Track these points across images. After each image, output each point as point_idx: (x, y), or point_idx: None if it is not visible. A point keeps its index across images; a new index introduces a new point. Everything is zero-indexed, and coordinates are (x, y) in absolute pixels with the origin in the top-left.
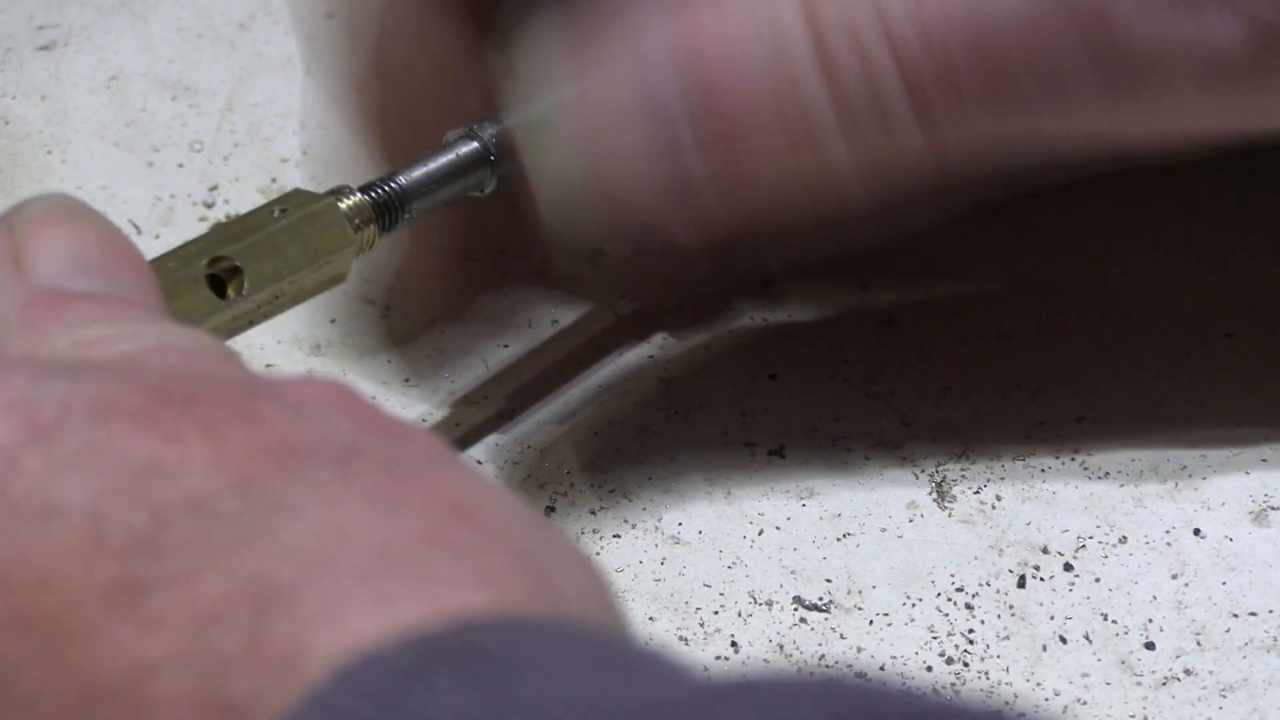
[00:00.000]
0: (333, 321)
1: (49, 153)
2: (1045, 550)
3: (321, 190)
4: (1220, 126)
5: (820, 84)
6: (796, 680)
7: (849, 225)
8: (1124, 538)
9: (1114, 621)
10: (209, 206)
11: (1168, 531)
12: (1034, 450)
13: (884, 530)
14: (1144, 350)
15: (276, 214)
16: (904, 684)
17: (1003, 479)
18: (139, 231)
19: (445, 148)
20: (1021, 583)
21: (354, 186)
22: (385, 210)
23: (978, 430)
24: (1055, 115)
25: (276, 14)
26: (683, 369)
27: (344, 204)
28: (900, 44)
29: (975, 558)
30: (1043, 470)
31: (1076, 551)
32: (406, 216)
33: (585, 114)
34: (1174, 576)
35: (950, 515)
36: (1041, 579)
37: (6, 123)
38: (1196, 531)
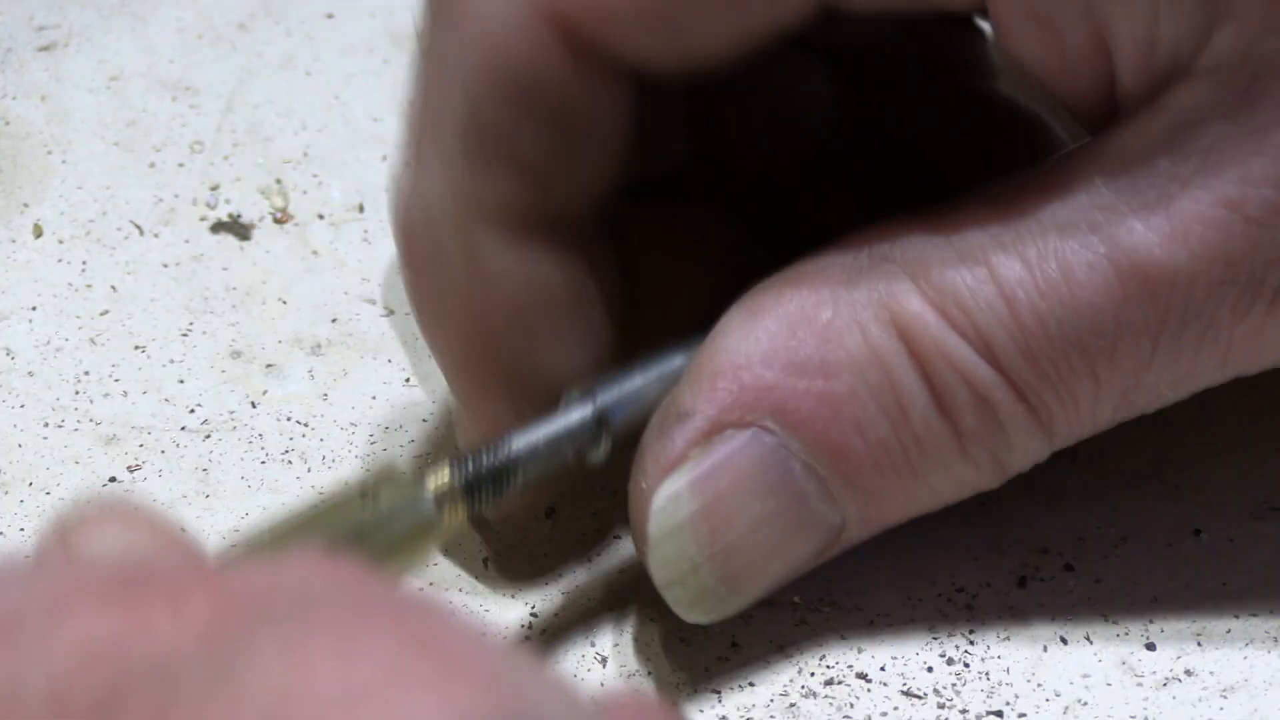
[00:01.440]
0: (333, 321)
1: (49, 153)
2: (1045, 550)
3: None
4: None
5: (934, 416)
6: None
7: None
8: (1124, 538)
9: (1114, 622)
10: (210, 207)
11: (1168, 531)
12: None
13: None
14: None
15: (361, 499)
16: None
17: None
18: (141, 232)
19: (557, 415)
20: (1022, 583)
21: (450, 462)
22: (480, 489)
23: None
24: (1159, 376)
25: (277, 14)
26: None
27: (433, 486)
28: (1002, 356)
29: (975, 558)
30: (1043, 470)
31: (1077, 552)
32: (505, 493)
33: (707, 501)
34: (1174, 577)
35: (950, 515)
36: (1042, 579)
37: (7, 123)
38: (1197, 532)
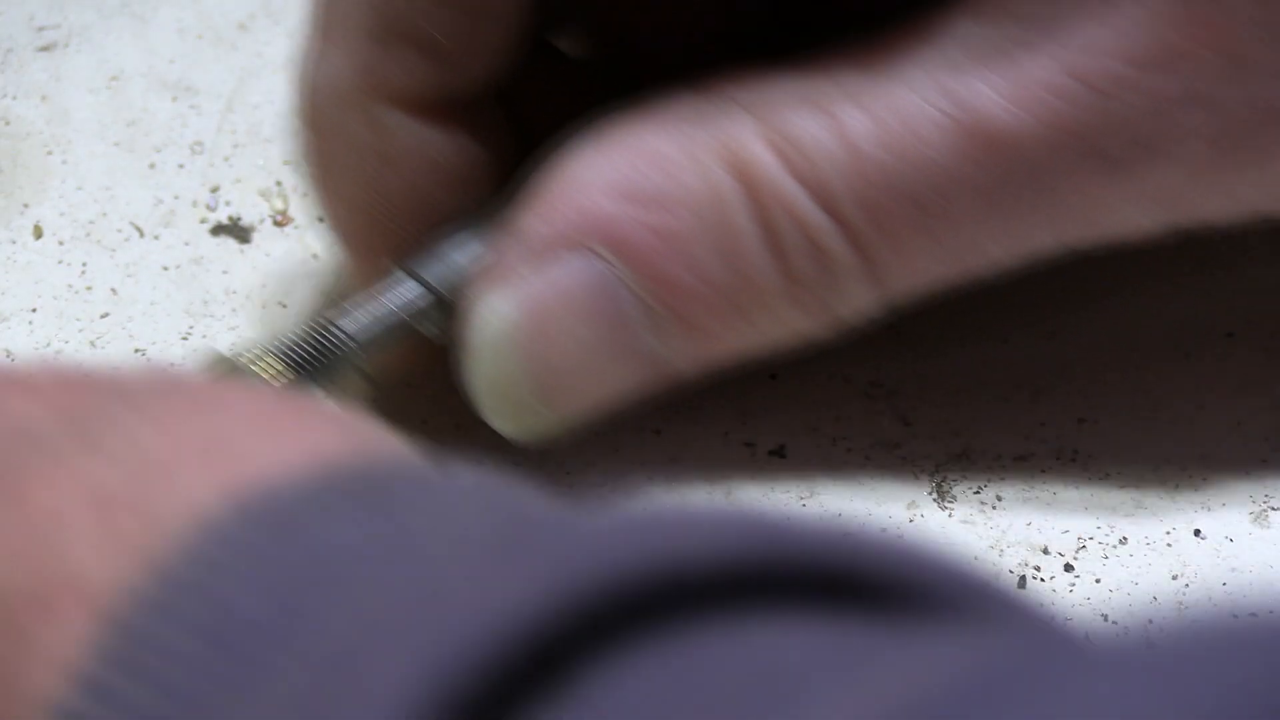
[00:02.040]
0: None
1: (49, 153)
2: (1045, 551)
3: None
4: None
5: (766, 258)
6: (697, 514)
7: None
8: (1124, 538)
9: (1114, 622)
10: (211, 209)
11: (1168, 532)
12: (1034, 450)
13: (884, 530)
14: (1144, 350)
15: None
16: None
17: (1003, 479)
18: (141, 234)
19: (384, 293)
20: (1022, 583)
21: (275, 348)
22: (309, 373)
23: (978, 430)
24: (993, 237)
25: (277, 14)
26: None
27: (262, 374)
28: (840, 204)
29: (975, 558)
30: (1043, 470)
31: (1077, 552)
32: (341, 373)
33: (532, 319)
34: (1174, 577)
35: (950, 515)
36: (1042, 579)
37: (7, 123)
38: (1197, 532)
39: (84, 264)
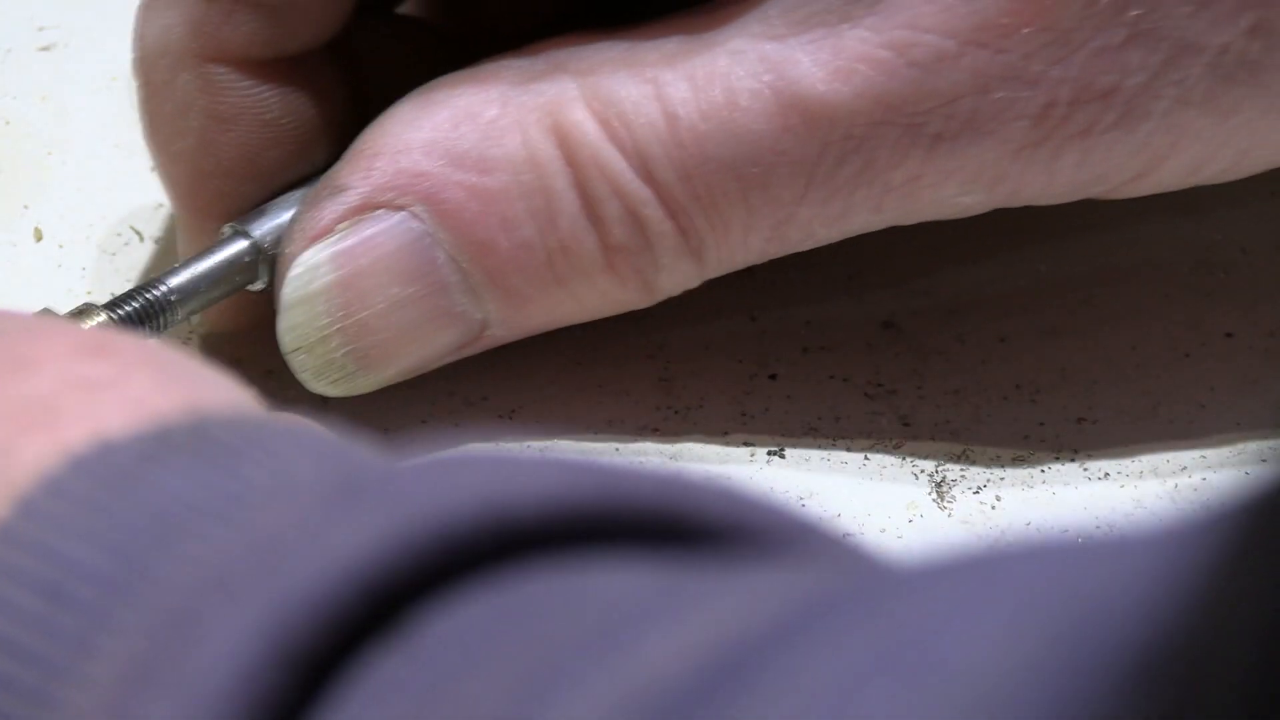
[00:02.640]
0: None
1: (50, 154)
2: None
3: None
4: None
5: (584, 226)
6: (526, 460)
7: None
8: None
9: None
10: None
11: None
12: (1034, 450)
13: (884, 530)
14: (1144, 350)
15: None
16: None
17: (1003, 479)
18: (141, 239)
19: (210, 249)
20: None
21: (106, 303)
22: (138, 325)
23: (978, 430)
24: (813, 212)
25: None
26: (683, 369)
27: (89, 326)
28: (659, 175)
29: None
30: (1043, 470)
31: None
32: (164, 326)
33: (344, 275)
34: None
35: (950, 515)
36: None
37: (7, 123)
38: None
39: (83, 268)
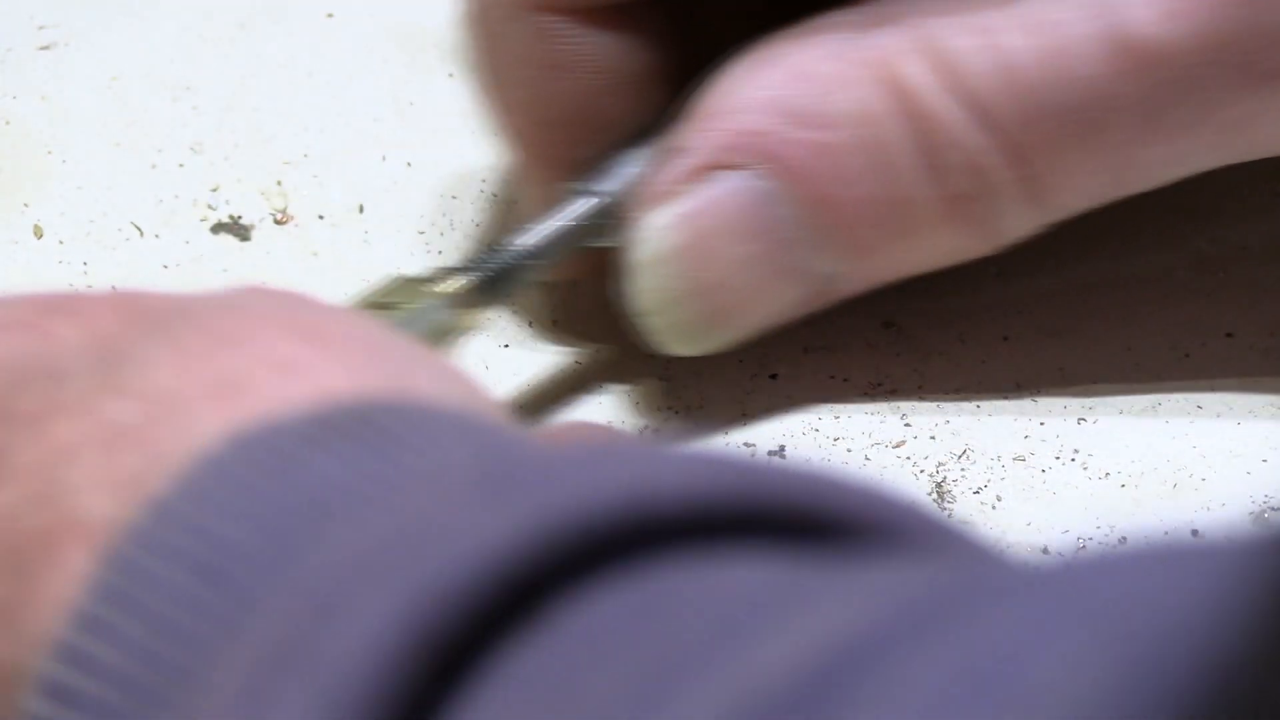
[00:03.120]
0: None
1: (50, 153)
2: (1045, 551)
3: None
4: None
5: (924, 175)
6: (669, 454)
7: None
8: (1124, 538)
9: None
10: (211, 208)
11: (1167, 532)
12: (1034, 450)
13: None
14: (1144, 350)
15: (378, 310)
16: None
17: (1003, 479)
18: (141, 234)
19: (556, 208)
20: None
21: (462, 266)
22: (494, 286)
23: (978, 430)
24: (1152, 153)
25: (277, 14)
26: (683, 369)
27: (448, 290)
28: (997, 121)
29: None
30: (1043, 470)
31: (1077, 552)
32: (515, 287)
33: (691, 236)
34: None
35: (950, 515)
36: None
37: (7, 123)
38: (1196, 532)
39: (84, 263)
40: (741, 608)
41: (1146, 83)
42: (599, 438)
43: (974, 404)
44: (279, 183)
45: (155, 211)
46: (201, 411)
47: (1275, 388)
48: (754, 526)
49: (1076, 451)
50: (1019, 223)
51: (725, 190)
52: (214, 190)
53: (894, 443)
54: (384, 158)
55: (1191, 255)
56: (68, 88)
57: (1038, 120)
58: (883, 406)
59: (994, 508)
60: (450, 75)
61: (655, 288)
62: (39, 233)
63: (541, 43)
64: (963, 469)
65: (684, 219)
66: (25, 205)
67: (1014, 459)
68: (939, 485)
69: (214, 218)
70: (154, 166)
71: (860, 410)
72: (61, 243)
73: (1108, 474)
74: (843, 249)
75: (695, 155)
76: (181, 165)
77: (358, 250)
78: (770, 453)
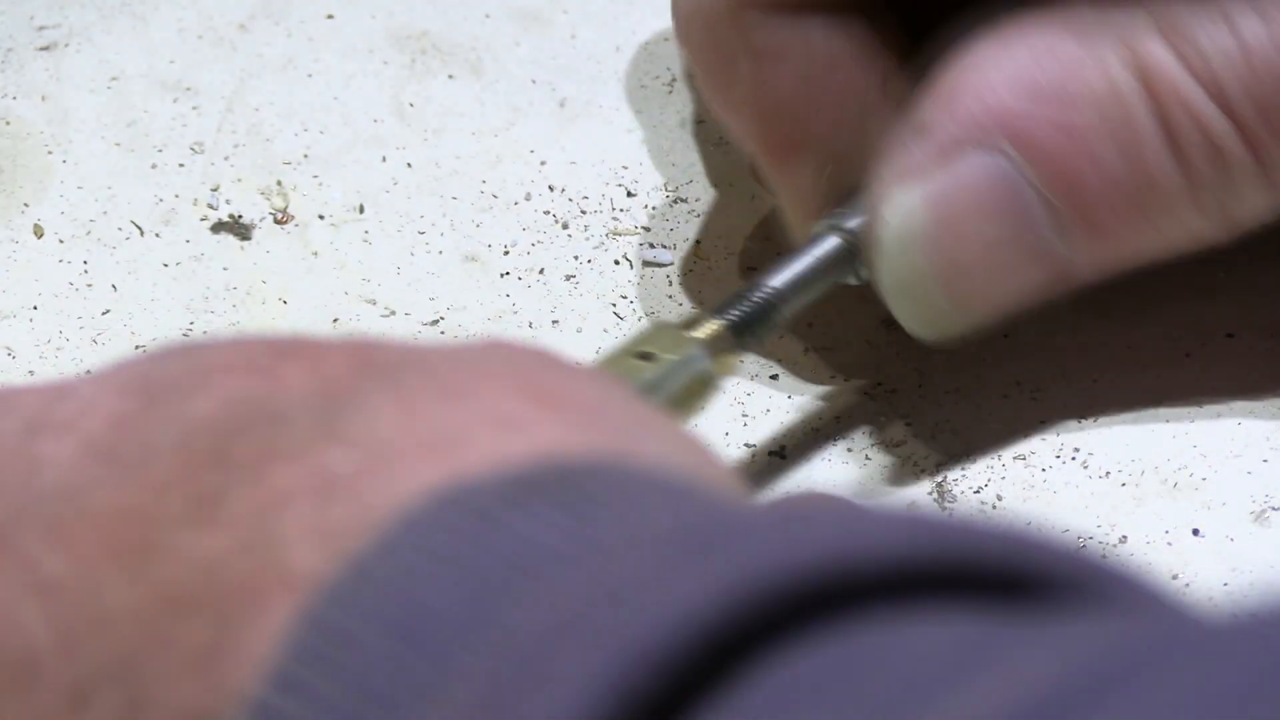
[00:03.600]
0: (334, 322)
1: (50, 153)
2: None
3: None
4: None
5: (1167, 158)
6: (866, 512)
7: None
8: (1124, 537)
9: None
10: (212, 208)
11: (1168, 532)
12: (1034, 450)
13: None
14: (1144, 350)
15: (640, 359)
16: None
17: (1003, 479)
18: (141, 233)
19: (808, 247)
20: None
21: (714, 311)
22: (749, 329)
23: (978, 430)
24: None
25: (277, 15)
26: None
27: (704, 335)
28: (1235, 105)
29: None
30: (1043, 470)
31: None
32: (771, 329)
33: (940, 217)
34: (1175, 577)
35: (950, 515)
36: None
37: (7, 123)
38: (1196, 532)
39: (85, 262)
40: (933, 665)
41: None
42: (822, 507)
43: (974, 403)
44: (279, 183)
45: (155, 211)
46: (414, 465)
47: (1275, 388)
48: (949, 584)
49: (1076, 451)
50: (1255, 206)
51: (975, 170)
52: (214, 190)
53: (894, 443)
54: (384, 159)
55: (1191, 255)
56: (68, 88)
57: (1275, 104)
58: (883, 406)
59: (994, 508)
60: (450, 76)
61: (904, 268)
62: (39, 232)
63: (748, 34)
64: (963, 469)
65: (933, 199)
66: (25, 205)
67: (1014, 458)
68: (939, 485)
69: (214, 217)
70: (154, 166)
71: (860, 410)
72: (61, 242)
73: (1108, 473)
74: (1087, 230)
75: (943, 132)
76: (182, 165)
77: (358, 250)
78: (770, 453)
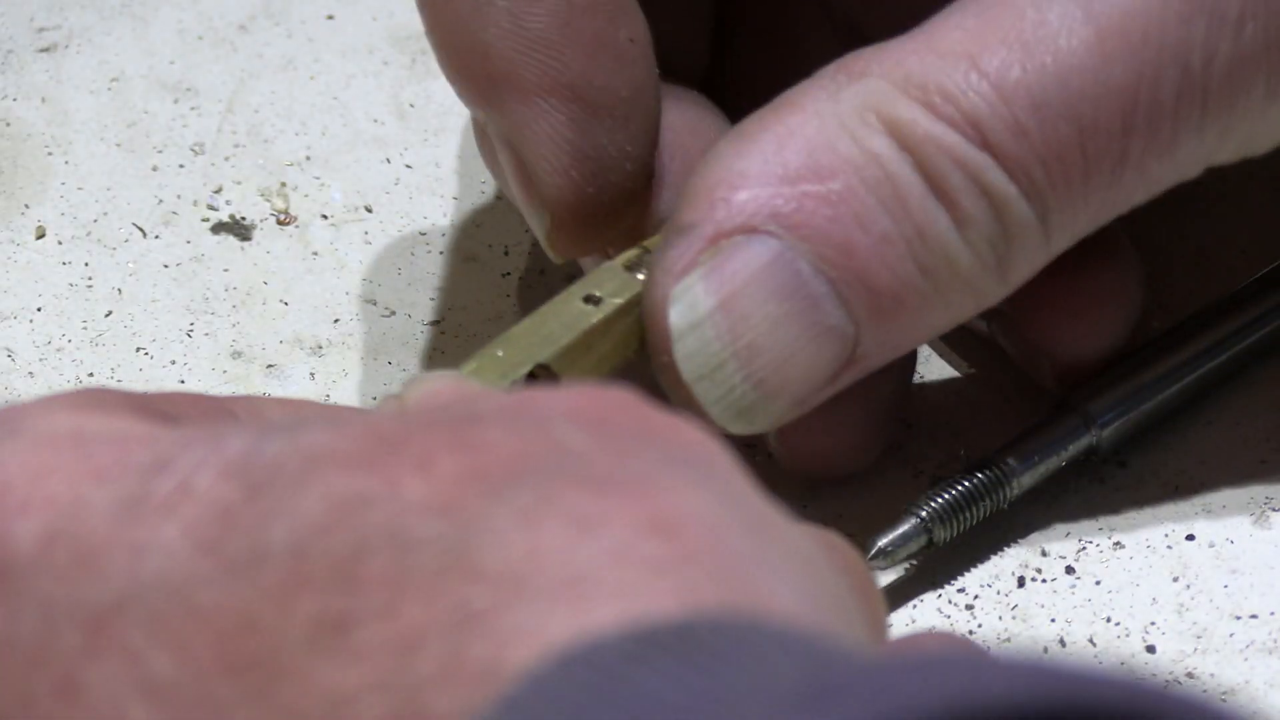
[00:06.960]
0: (335, 322)
1: (50, 154)
2: (1045, 553)
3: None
4: None
5: (933, 204)
6: (987, 659)
7: None
8: (1124, 539)
9: (1116, 624)
10: (212, 209)
11: (1168, 534)
12: None
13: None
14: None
15: (586, 303)
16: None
17: None
18: (143, 234)
19: (1048, 420)
20: (1021, 584)
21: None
22: (976, 500)
23: (978, 430)
24: (1157, 158)
25: (277, 15)
26: None
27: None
28: (993, 137)
29: (975, 559)
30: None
31: (1077, 554)
32: (1011, 495)
33: (723, 299)
34: (1175, 579)
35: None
36: (1043, 581)
37: (8, 124)
38: (1196, 534)
39: (85, 263)
40: None
41: (1133, 62)
42: (947, 648)
43: (974, 404)
44: (281, 184)
45: (156, 212)
46: (547, 606)
47: (1275, 388)
48: None
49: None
50: (1028, 246)
51: (745, 252)
52: (215, 191)
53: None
54: (386, 159)
55: (1192, 255)
56: (68, 88)
57: (1033, 124)
58: None
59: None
60: None
61: (699, 352)
62: (40, 233)
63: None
64: (962, 470)
65: (712, 282)
66: (26, 206)
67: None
68: (939, 486)
69: (215, 218)
70: (155, 167)
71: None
72: (62, 243)
73: (1107, 474)
74: (867, 297)
75: (704, 228)
76: (182, 166)
77: (359, 250)
78: (770, 454)
